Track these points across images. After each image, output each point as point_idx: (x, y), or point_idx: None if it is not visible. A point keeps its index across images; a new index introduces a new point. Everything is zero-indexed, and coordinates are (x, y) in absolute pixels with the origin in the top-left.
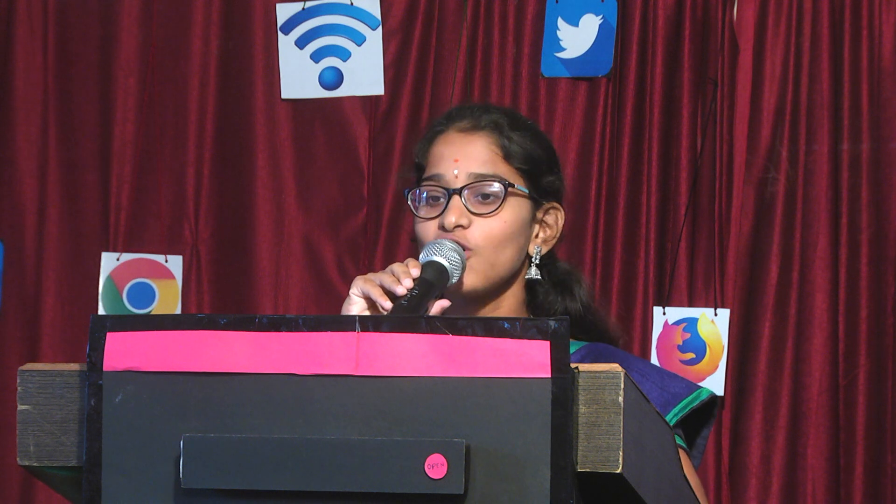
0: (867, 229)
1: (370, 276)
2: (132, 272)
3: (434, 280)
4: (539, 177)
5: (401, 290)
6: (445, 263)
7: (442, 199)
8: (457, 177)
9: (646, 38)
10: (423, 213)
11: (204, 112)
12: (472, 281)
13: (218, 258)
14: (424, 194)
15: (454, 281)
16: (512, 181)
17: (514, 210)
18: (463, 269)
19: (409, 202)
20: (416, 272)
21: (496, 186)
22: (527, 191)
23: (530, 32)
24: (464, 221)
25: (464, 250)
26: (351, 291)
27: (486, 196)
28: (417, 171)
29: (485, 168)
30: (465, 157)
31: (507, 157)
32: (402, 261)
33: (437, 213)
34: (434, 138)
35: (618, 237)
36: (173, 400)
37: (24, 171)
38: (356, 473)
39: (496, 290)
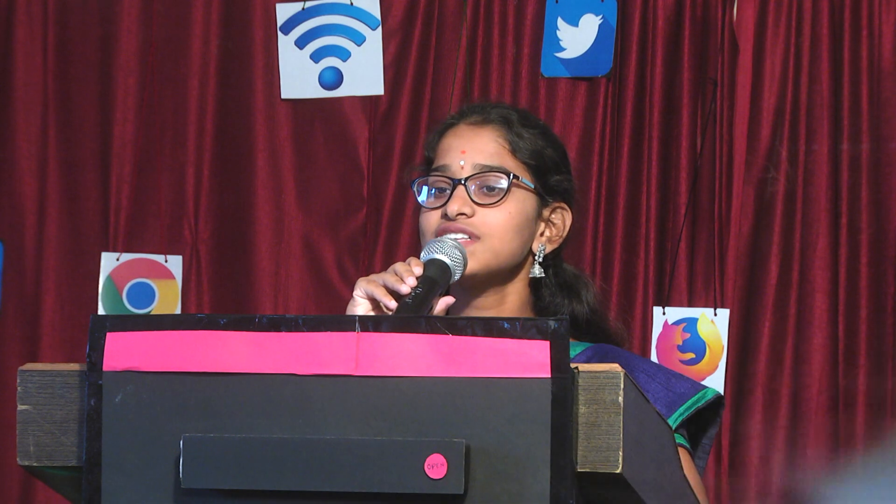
0: (867, 229)
1: (372, 277)
2: (132, 272)
3: (437, 277)
4: (547, 174)
5: (404, 289)
6: (447, 261)
7: (447, 190)
8: (462, 167)
9: (646, 38)
10: (427, 203)
11: (204, 112)
12: (471, 266)
13: (218, 258)
14: (431, 187)
15: (456, 278)
16: (518, 175)
17: (518, 203)
18: (465, 265)
19: (414, 192)
20: (418, 270)
21: (501, 178)
22: (532, 186)
23: (530, 32)
24: (467, 210)
25: (468, 238)
26: (355, 293)
27: (491, 188)
28: (426, 165)
29: (491, 160)
30: (472, 148)
31: (515, 151)
32: (402, 260)
33: (441, 204)
34: (444, 132)
35: (618, 237)
36: (173, 400)
37: (24, 171)
38: (356, 473)
39: (497, 281)
